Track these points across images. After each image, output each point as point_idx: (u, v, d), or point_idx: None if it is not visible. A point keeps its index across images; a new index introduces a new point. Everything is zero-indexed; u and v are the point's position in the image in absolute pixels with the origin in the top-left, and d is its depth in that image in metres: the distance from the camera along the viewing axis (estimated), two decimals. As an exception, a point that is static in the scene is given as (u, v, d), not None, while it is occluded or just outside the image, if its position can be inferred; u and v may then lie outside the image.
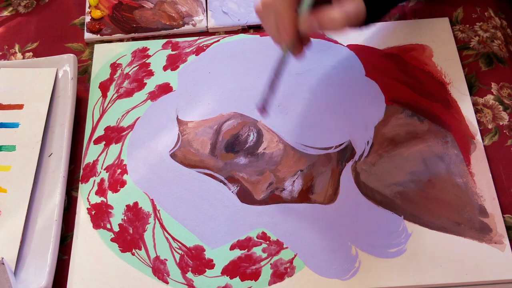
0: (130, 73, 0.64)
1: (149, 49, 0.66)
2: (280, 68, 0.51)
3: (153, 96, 0.62)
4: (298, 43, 0.52)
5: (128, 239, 0.54)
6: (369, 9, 0.50)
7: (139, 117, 0.61)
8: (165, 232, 0.54)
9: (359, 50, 0.63)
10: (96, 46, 0.67)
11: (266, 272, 0.52)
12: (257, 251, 0.53)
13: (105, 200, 0.56)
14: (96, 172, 0.58)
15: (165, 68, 0.64)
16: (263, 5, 0.51)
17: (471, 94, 0.60)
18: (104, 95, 0.63)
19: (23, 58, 0.67)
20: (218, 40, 0.66)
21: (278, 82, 0.52)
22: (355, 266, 0.51)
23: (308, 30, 0.51)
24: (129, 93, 0.63)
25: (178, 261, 0.53)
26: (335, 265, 0.51)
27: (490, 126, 0.58)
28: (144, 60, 0.65)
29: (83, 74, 0.65)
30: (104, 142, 0.60)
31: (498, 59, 0.63)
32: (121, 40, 0.68)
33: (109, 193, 0.57)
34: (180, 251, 0.53)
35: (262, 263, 0.52)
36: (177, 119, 0.60)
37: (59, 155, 0.57)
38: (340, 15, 0.48)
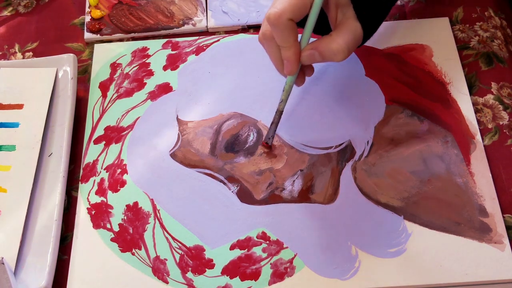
0: (130, 73, 0.64)
1: (149, 49, 0.66)
2: (287, 96, 0.54)
3: (153, 96, 0.62)
4: (300, 72, 0.53)
5: (128, 239, 0.54)
6: (365, 27, 0.50)
7: (139, 117, 0.61)
8: (165, 232, 0.54)
9: (359, 50, 0.63)
10: (96, 46, 0.67)
11: (266, 272, 0.52)
12: (257, 251, 0.53)
13: (105, 200, 0.56)
14: (96, 172, 0.58)
15: (165, 68, 0.64)
16: (263, 37, 0.51)
17: (471, 94, 0.60)
18: (104, 95, 0.63)
19: (23, 58, 0.67)
20: (218, 40, 0.66)
21: (280, 113, 0.55)
22: (355, 266, 0.51)
23: (310, 62, 0.51)
24: (129, 93, 0.63)
25: (178, 261, 0.53)
26: (335, 265, 0.51)
27: (490, 126, 0.58)
28: (144, 60, 0.65)
29: (83, 74, 0.65)
30: (104, 142, 0.60)
31: (498, 59, 0.63)
32: (121, 40, 0.68)
33: (109, 193, 0.57)
34: (180, 251, 0.53)
35: (262, 263, 0.52)
36: (177, 119, 0.61)
37: (59, 155, 0.57)
38: (342, 47, 0.49)
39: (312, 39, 0.51)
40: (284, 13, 0.47)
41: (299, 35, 0.50)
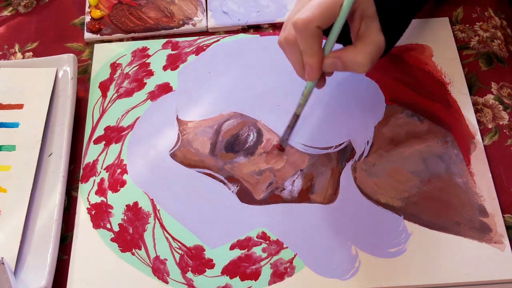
0: (130, 73, 0.64)
1: (149, 49, 0.66)
2: (306, 100, 0.54)
3: (153, 96, 0.62)
4: (322, 76, 0.53)
5: (128, 239, 0.54)
6: (388, 40, 0.50)
7: (139, 117, 0.61)
8: (165, 232, 0.54)
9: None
10: (96, 46, 0.67)
11: (266, 272, 0.52)
12: (257, 251, 0.53)
13: (105, 200, 0.56)
14: (96, 172, 0.58)
15: (165, 68, 0.64)
16: (286, 42, 0.50)
17: (471, 94, 0.60)
18: (104, 95, 0.63)
19: (23, 58, 0.67)
20: (218, 40, 0.66)
21: (297, 117, 0.55)
22: (355, 266, 0.51)
23: (331, 70, 0.51)
24: (129, 93, 0.63)
25: (178, 261, 0.53)
26: (335, 265, 0.51)
27: (490, 126, 0.58)
28: (144, 60, 0.65)
29: (83, 74, 0.65)
30: (104, 142, 0.60)
31: (498, 59, 0.63)
32: (121, 40, 0.68)
33: (109, 193, 0.57)
34: (180, 251, 0.53)
35: (262, 263, 0.52)
36: (177, 119, 0.61)
37: (59, 155, 0.57)
38: (366, 60, 0.49)
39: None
40: (313, 20, 0.47)
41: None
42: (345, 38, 0.52)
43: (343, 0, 0.47)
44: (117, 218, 0.55)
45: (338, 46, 0.51)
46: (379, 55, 0.51)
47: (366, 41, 0.50)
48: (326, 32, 0.50)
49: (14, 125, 0.59)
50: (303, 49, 0.49)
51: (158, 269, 0.52)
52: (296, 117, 0.55)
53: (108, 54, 0.66)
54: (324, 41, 0.50)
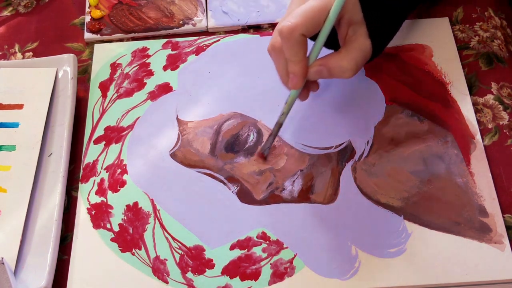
0: (130, 73, 0.64)
1: (149, 49, 0.66)
2: (289, 109, 0.54)
3: (153, 96, 0.62)
4: (305, 87, 0.53)
5: (128, 239, 0.54)
6: (375, 45, 0.50)
7: (139, 117, 0.61)
8: (165, 232, 0.54)
9: (359, 50, 0.63)
10: (96, 46, 0.67)
11: (266, 272, 0.52)
12: (257, 251, 0.53)
13: (105, 200, 0.56)
14: (96, 172, 0.58)
15: (165, 68, 0.64)
16: (272, 48, 0.51)
17: (471, 94, 0.60)
18: (104, 95, 0.63)
19: (23, 58, 0.67)
20: (218, 40, 0.66)
21: (280, 125, 0.55)
22: (355, 266, 0.51)
23: (317, 78, 0.51)
24: (129, 93, 0.63)
25: (178, 261, 0.53)
26: (335, 265, 0.51)
27: (490, 126, 0.58)
28: (144, 60, 0.65)
29: (83, 74, 0.65)
30: (104, 142, 0.60)
31: (498, 59, 0.63)
32: (121, 40, 0.68)
33: (109, 193, 0.57)
34: (180, 251, 0.53)
35: (262, 263, 0.52)
36: (177, 119, 0.61)
37: (59, 155, 0.57)
38: (351, 66, 0.49)
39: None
40: (297, 28, 0.46)
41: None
42: (332, 44, 0.52)
43: (329, 8, 0.47)
44: (117, 218, 0.55)
45: (330, 51, 0.52)
46: (365, 60, 0.51)
47: (351, 46, 0.50)
48: (315, 38, 0.50)
49: (14, 125, 0.59)
50: (288, 56, 0.49)
51: (158, 269, 0.52)
52: (279, 125, 0.55)
53: (108, 54, 0.66)
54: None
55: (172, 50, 0.66)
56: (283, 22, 0.47)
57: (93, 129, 0.61)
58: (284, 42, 0.48)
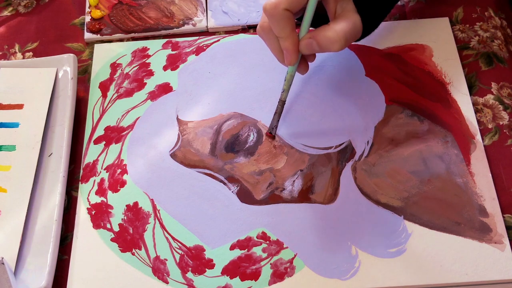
0: (130, 73, 0.64)
1: (149, 49, 0.66)
2: (289, 85, 0.54)
3: (153, 96, 0.62)
4: (303, 60, 0.53)
5: (128, 239, 0.54)
6: (365, 21, 0.50)
7: (139, 117, 0.61)
8: (165, 232, 0.54)
9: (359, 50, 0.63)
10: (96, 46, 0.67)
11: (266, 272, 0.52)
12: (257, 251, 0.53)
13: (105, 200, 0.56)
14: (96, 172, 0.58)
15: (165, 68, 0.64)
16: (262, 29, 0.51)
17: (471, 94, 0.60)
18: (104, 95, 0.63)
19: (23, 58, 0.67)
20: (218, 40, 0.66)
21: (283, 103, 0.56)
22: (355, 266, 0.51)
23: (309, 52, 0.51)
24: (129, 93, 0.63)
25: (178, 261, 0.53)
26: (335, 265, 0.51)
27: (490, 126, 0.58)
28: (144, 60, 0.65)
29: (83, 74, 0.65)
30: (104, 142, 0.60)
31: (498, 59, 0.63)
32: (121, 40, 0.68)
33: (109, 193, 0.57)
34: (180, 251, 0.53)
35: (262, 263, 0.52)
36: (177, 119, 0.61)
37: (59, 155, 0.57)
38: (339, 36, 0.49)
39: None
40: (280, 3, 0.47)
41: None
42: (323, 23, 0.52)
43: None
44: (117, 218, 0.55)
45: None
46: (354, 34, 0.50)
47: (340, 19, 0.50)
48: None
49: (14, 125, 0.59)
50: (276, 33, 0.50)
51: (158, 269, 0.52)
52: (282, 103, 0.56)
53: (108, 54, 0.66)
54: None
55: (172, 50, 0.66)
56: (267, 0, 0.48)
57: (93, 129, 0.61)
58: (270, 19, 0.49)
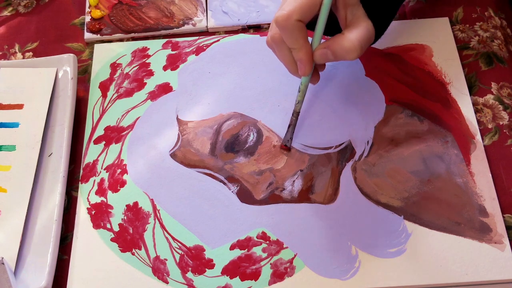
0: (130, 73, 0.64)
1: (149, 49, 0.66)
2: (303, 96, 0.54)
3: (153, 96, 0.62)
4: (314, 70, 0.53)
5: (128, 239, 0.54)
6: (376, 25, 0.50)
7: (139, 117, 0.61)
8: (165, 232, 0.54)
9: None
10: (96, 46, 0.67)
11: (266, 272, 0.52)
12: (257, 251, 0.53)
13: (105, 200, 0.56)
14: (96, 172, 0.58)
15: (165, 68, 0.64)
16: (273, 41, 0.51)
17: (471, 94, 0.60)
18: (104, 95, 0.63)
19: (23, 58, 0.67)
20: (218, 40, 0.66)
21: (297, 114, 0.55)
22: (355, 266, 0.51)
23: (323, 62, 0.51)
24: (129, 93, 0.63)
25: (178, 261, 0.53)
26: (335, 265, 0.51)
27: (490, 126, 0.58)
28: (144, 60, 0.65)
29: (83, 74, 0.65)
30: (104, 142, 0.60)
31: (498, 59, 0.63)
32: (121, 40, 0.68)
33: (109, 193, 0.57)
34: (180, 251, 0.53)
35: (262, 263, 0.52)
36: (177, 119, 0.61)
37: (59, 155, 0.57)
38: (354, 45, 0.48)
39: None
40: (292, 14, 0.47)
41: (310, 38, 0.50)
42: (336, 32, 0.52)
43: None
44: (117, 218, 0.55)
45: None
46: (369, 40, 0.50)
47: (353, 27, 0.49)
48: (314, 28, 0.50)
49: (14, 125, 0.59)
50: (289, 45, 0.49)
51: (158, 269, 0.52)
52: (296, 114, 0.55)
53: (108, 54, 0.66)
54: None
55: (172, 50, 0.66)
56: (278, 12, 0.48)
57: (93, 129, 0.61)
58: (282, 31, 0.48)
